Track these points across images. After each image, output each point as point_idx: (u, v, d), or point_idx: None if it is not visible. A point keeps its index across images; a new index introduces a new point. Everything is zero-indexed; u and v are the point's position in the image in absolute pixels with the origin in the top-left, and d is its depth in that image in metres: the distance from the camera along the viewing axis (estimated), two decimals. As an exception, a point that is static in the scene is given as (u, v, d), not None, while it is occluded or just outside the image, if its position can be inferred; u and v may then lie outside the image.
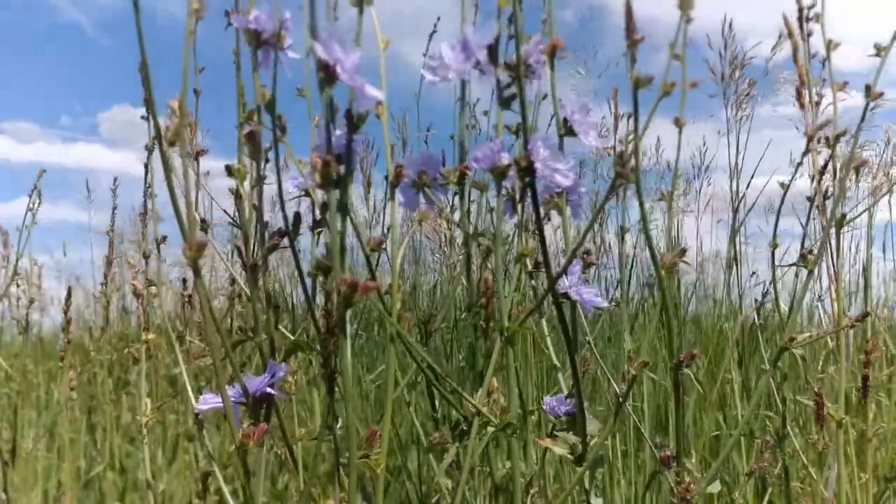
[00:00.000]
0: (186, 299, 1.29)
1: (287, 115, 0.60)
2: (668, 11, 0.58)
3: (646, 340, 1.02)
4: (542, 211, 0.60)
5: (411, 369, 0.80)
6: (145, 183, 1.06)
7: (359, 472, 0.53)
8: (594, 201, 1.48)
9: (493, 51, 0.62)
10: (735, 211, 1.53)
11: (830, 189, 0.99)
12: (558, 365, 0.88)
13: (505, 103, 0.63)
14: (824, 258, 1.03)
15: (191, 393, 0.66)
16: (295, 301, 1.94)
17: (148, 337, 1.01)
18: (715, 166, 1.96)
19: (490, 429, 0.64)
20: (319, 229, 0.65)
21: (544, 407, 0.74)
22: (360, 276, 0.51)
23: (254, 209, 0.62)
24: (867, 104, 0.87)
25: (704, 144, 1.94)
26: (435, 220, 1.58)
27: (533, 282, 0.84)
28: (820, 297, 1.37)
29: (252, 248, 0.62)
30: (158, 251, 0.97)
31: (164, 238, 0.94)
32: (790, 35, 0.94)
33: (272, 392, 0.56)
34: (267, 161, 0.63)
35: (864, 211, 1.29)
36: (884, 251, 1.97)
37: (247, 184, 0.63)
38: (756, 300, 1.25)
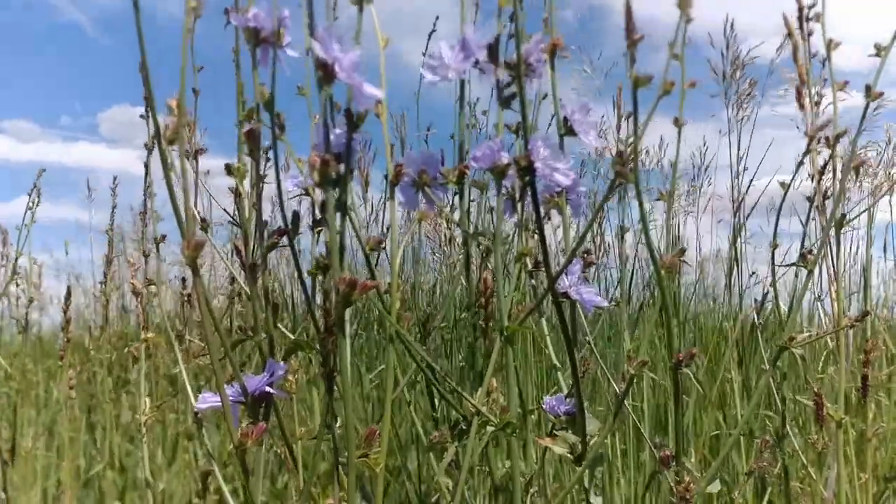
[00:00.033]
0: (186, 298, 1.29)
1: (287, 113, 0.60)
2: (667, 11, 0.58)
3: (645, 340, 1.02)
4: (541, 210, 0.60)
5: (411, 369, 0.80)
6: (145, 182, 1.06)
7: (358, 471, 0.53)
8: (594, 201, 1.48)
9: (493, 50, 0.62)
10: (736, 211, 1.53)
11: (830, 189, 0.99)
12: (558, 364, 0.88)
13: (505, 102, 0.63)
14: (824, 258, 1.03)
15: (190, 392, 0.66)
16: (295, 300, 1.94)
17: (147, 336, 1.01)
18: (715, 166, 1.96)
19: (489, 428, 0.64)
20: (319, 228, 0.65)
21: (544, 406, 0.74)
22: (360, 276, 0.51)
23: (253, 208, 0.62)
24: (867, 104, 0.87)
25: (705, 144, 1.94)
26: (435, 220, 1.58)
27: (533, 281, 0.84)
28: (820, 297, 1.37)
29: (252, 247, 0.62)
30: (158, 250, 0.97)
31: (164, 237, 0.94)
32: (790, 35, 0.94)
33: (271, 391, 0.56)
34: (267, 160, 0.63)
35: (864, 211, 1.29)
36: (884, 251, 1.97)
37: (246, 182, 0.63)
38: (756, 300, 1.25)
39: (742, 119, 1.54)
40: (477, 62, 0.63)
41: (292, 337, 0.69)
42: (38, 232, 1.42)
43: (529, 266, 0.78)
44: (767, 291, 1.23)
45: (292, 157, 0.65)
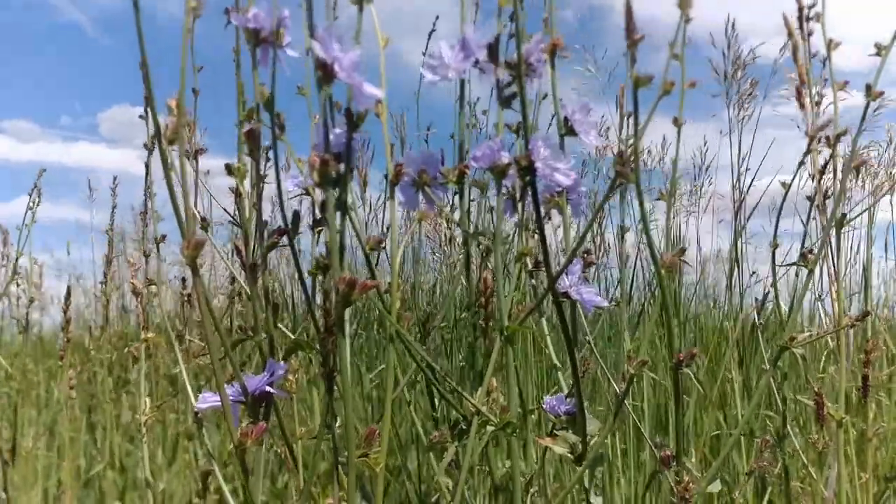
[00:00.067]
0: (186, 298, 1.29)
1: (287, 113, 0.60)
2: (668, 11, 0.58)
3: (646, 340, 1.02)
4: (542, 210, 0.60)
5: (411, 369, 0.80)
6: (146, 182, 1.06)
7: (358, 470, 0.53)
8: (594, 201, 1.48)
9: (493, 49, 0.62)
10: (737, 211, 1.53)
11: (831, 189, 0.99)
12: (558, 364, 0.88)
13: (505, 102, 0.63)
14: (825, 258, 1.03)
15: (190, 392, 0.65)
16: (295, 300, 1.94)
17: (147, 336, 1.01)
18: (716, 166, 1.96)
19: (490, 428, 0.64)
20: (319, 228, 0.65)
21: (544, 406, 0.74)
22: (361, 276, 0.51)
23: (253, 208, 0.62)
24: (868, 103, 0.87)
25: (705, 144, 1.94)
26: (435, 220, 1.58)
27: (533, 281, 0.84)
28: (820, 296, 1.37)
29: (252, 246, 0.62)
30: (158, 250, 0.97)
31: (164, 237, 0.94)
32: (790, 34, 0.94)
33: (271, 391, 0.56)
34: (267, 160, 0.63)
35: (865, 211, 1.29)
36: (885, 250, 1.97)
37: (247, 182, 0.63)
38: (756, 299, 1.25)
39: (743, 119, 1.54)
40: (477, 62, 0.63)
41: (292, 337, 0.69)
42: (38, 232, 1.42)
43: (529, 266, 0.78)
44: (768, 291, 1.23)
45: (292, 157, 0.65)
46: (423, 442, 1.00)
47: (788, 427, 1.08)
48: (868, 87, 0.87)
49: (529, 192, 0.58)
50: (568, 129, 0.65)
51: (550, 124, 0.88)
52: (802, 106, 0.97)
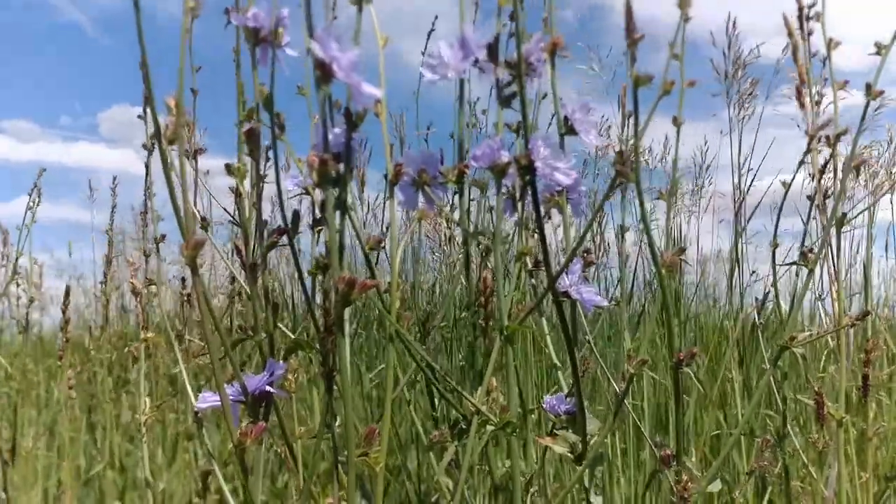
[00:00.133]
0: (185, 298, 1.29)
1: (287, 113, 0.60)
2: (668, 11, 0.58)
3: (646, 339, 1.02)
4: (542, 209, 0.60)
5: (411, 368, 0.80)
6: (146, 182, 1.06)
7: (358, 470, 0.53)
8: (593, 200, 1.48)
9: (493, 49, 0.62)
10: (737, 210, 1.53)
11: (831, 188, 0.99)
12: (558, 364, 0.88)
13: (505, 102, 0.63)
14: (825, 257, 1.03)
15: (190, 391, 0.65)
16: (295, 300, 1.94)
17: (147, 335, 1.01)
18: (717, 166, 1.96)
19: (489, 427, 0.64)
20: (319, 228, 0.65)
21: (544, 405, 0.74)
22: (361, 275, 0.51)
23: (253, 207, 0.62)
24: (868, 103, 0.87)
25: (706, 143, 1.94)
26: (434, 219, 1.58)
27: (533, 280, 0.84)
28: (821, 296, 1.37)
29: (252, 246, 0.62)
30: (157, 250, 0.97)
31: (164, 236, 0.94)
32: (790, 34, 0.94)
33: (271, 390, 0.56)
34: (267, 160, 0.63)
35: (864, 210, 1.29)
36: (886, 250, 1.97)
37: (247, 182, 0.63)
38: (757, 298, 1.25)
39: (743, 118, 1.53)
40: (476, 61, 0.62)
41: (292, 336, 0.69)
42: (38, 232, 1.42)
43: (529, 265, 0.78)
44: (768, 291, 1.23)
45: (292, 157, 0.65)
46: (422, 441, 1.00)
47: (789, 426, 1.08)
48: (868, 87, 0.87)
49: (529, 192, 0.58)
50: (568, 129, 0.65)
51: (550, 124, 0.88)
52: (803, 105, 0.97)
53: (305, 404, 1.41)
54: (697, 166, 1.99)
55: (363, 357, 1.70)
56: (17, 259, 1.41)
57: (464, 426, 0.69)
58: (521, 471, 0.73)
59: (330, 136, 0.53)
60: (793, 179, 1.02)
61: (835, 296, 1.01)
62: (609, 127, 1.61)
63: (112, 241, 1.64)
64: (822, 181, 0.98)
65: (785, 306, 1.21)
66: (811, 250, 0.86)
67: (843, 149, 0.98)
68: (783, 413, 1.08)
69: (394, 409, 1.17)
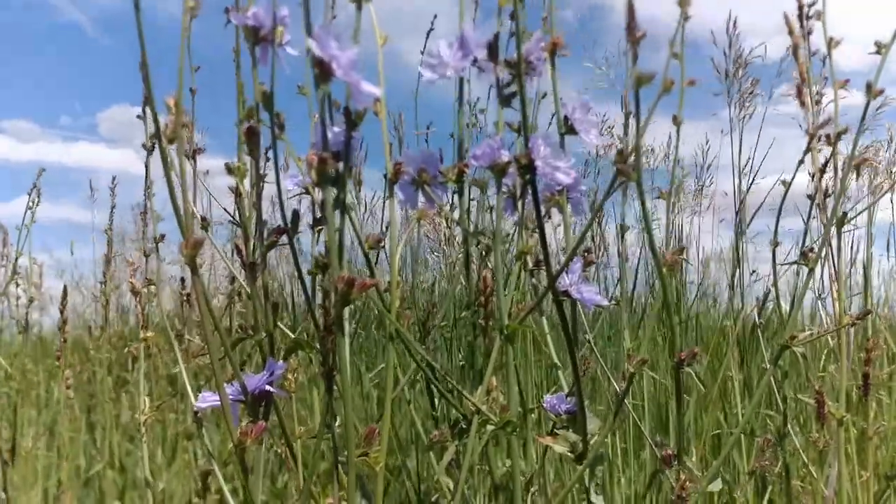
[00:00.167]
0: (185, 298, 1.29)
1: (287, 113, 0.59)
2: (668, 11, 0.58)
3: (646, 339, 1.02)
4: (542, 208, 0.60)
5: (411, 368, 0.80)
6: (145, 182, 1.06)
7: (358, 470, 0.52)
8: (593, 200, 1.48)
9: (493, 48, 0.61)
10: (738, 210, 1.53)
11: (832, 187, 0.99)
12: (558, 363, 0.88)
13: (505, 101, 0.63)
14: (826, 257, 1.03)
15: (190, 391, 0.65)
16: (295, 300, 1.94)
17: (146, 335, 1.01)
18: (717, 165, 1.96)
19: (490, 427, 0.64)
20: (319, 227, 0.65)
21: (544, 405, 0.74)
22: (362, 275, 0.51)
23: (253, 207, 0.62)
24: (868, 102, 0.87)
25: (707, 142, 1.93)
26: (434, 219, 1.58)
27: (533, 280, 0.84)
28: (821, 295, 1.37)
29: (252, 246, 0.62)
30: (157, 249, 0.97)
31: (163, 236, 0.94)
32: (790, 32, 0.94)
33: (271, 390, 0.56)
34: (267, 159, 0.63)
35: (865, 210, 1.29)
36: (887, 249, 1.97)
37: (247, 181, 0.63)
38: (757, 298, 1.25)
39: (744, 118, 1.53)
40: (476, 60, 0.62)
41: (292, 336, 0.69)
42: (38, 232, 1.42)
43: (530, 265, 0.78)
44: (769, 291, 1.23)
45: (292, 156, 0.65)
46: (422, 441, 1.00)
47: (789, 426, 1.08)
48: (868, 86, 0.87)
49: (529, 191, 0.58)
50: (568, 128, 0.65)
51: (550, 123, 0.88)
52: (803, 104, 0.97)
53: (305, 404, 1.41)
54: (698, 166, 1.99)
55: (363, 357, 1.70)
56: (16, 259, 1.40)
57: (464, 426, 0.69)
58: (521, 470, 0.73)
59: (329, 135, 0.53)
60: (793, 179, 1.02)
61: (835, 295, 1.01)
62: (612, 127, 1.61)
63: (111, 241, 1.64)
64: (823, 180, 0.98)
65: (785, 306, 1.20)
66: (811, 249, 0.86)
67: (844, 148, 0.98)
68: (783, 412, 1.08)
69: (394, 409, 1.17)
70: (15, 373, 1.78)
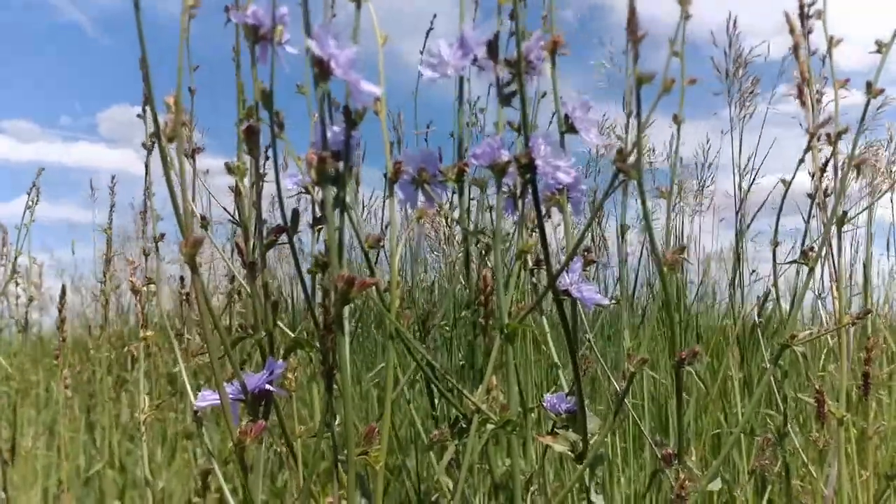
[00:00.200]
0: (184, 297, 1.29)
1: (287, 112, 0.59)
2: (668, 11, 0.58)
3: (646, 338, 1.02)
4: (542, 208, 0.60)
5: (410, 368, 0.80)
6: (145, 181, 1.06)
7: (358, 469, 0.52)
8: (593, 199, 1.48)
9: (493, 47, 0.61)
10: (738, 210, 1.53)
11: (832, 187, 0.99)
12: (558, 363, 0.88)
13: (505, 100, 0.63)
14: (826, 256, 1.03)
15: (190, 390, 0.65)
16: (294, 300, 1.94)
17: (146, 334, 1.01)
18: (717, 165, 1.95)
19: (490, 426, 0.64)
20: (319, 226, 0.65)
21: (545, 404, 0.74)
22: (362, 274, 0.51)
23: (253, 206, 0.62)
24: (868, 101, 0.87)
25: (708, 142, 1.93)
26: (433, 219, 1.58)
27: (534, 279, 0.84)
28: (821, 295, 1.37)
29: (251, 245, 0.62)
30: (157, 249, 0.97)
31: (163, 235, 0.94)
32: (791, 31, 0.94)
33: (271, 389, 0.56)
34: (266, 158, 0.63)
35: (865, 209, 1.29)
36: (887, 248, 1.97)
37: (246, 180, 0.63)
38: (758, 297, 1.25)
39: (744, 117, 1.53)
40: (475, 59, 0.62)
41: (292, 335, 0.69)
42: (37, 232, 1.42)
43: (530, 264, 0.78)
44: (769, 290, 1.23)
45: (291, 156, 0.65)
46: (422, 440, 1.00)
47: (789, 425, 1.08)
48: (868, 85, 0.87)
49: (530, 190, 0.58)
50: (568, 127, 0.65)
51: (551, 123, 0.87)
52: (804, 103, 0.97)
53: (305, 403, 1.41)
54: (699, 165, 1.99)
55: (362, 355, 1.70)
56: (15, 258, 1.40)
57: (464, 425, 0.69)
58: (521, 470, 0.73)
59: (329, 134, 0.53)
60: (793, 178, 1.02)
61: (835, 294, 1.01)
62: (614, 127, 1.61)
63: (110, 241, 1.64)
64: (823, 180, 0.98)
65: (785, 305, 1.20)
66: (812, 249, 0.85)
67: (844, 147, 0.98)
68: (783, 412, 1.08)
69: (393, 409, 1.17)
70: (15, 373, 1.78)
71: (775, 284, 1.09)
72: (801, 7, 0.93)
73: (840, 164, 0.98)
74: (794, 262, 0.88)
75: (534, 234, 0.73)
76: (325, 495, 0.61)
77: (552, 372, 1.18)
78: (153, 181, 1.05)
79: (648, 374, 1.24)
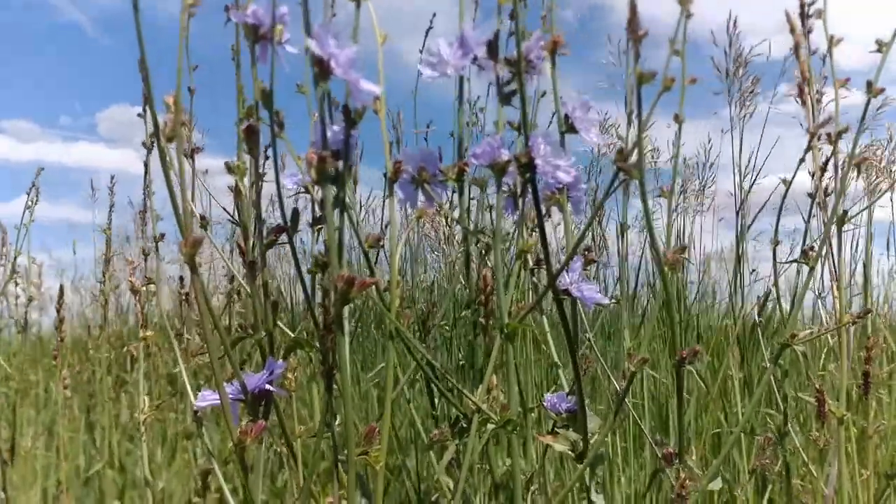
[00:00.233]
0: (184, 297, 1.29)
1: (286, 111, 0.59)
2: (668, 11, 0.58)
3: (647, 338, 1.02)
4: (542, 207, 0.60)
5: (410, 368, 0.80)
6: (145, 181, 1.06)
7: (358, 469, 0.52)
8: (593, 198, 1.48)
9: (492, 46, 0.61)
10: (738, 209, 1.53)
11: (832, 186, 0.99)
12: (558, 362, 0.87)
13: (505, 99, 0.63)
14: (826, 255, 1.03)
15: (189, 390, 0.65)
16: (294, 300, 1.94)
17: (146, 334, 1.01)
18: (717, 165, 1.95)
19: (490, 426, 0.63)
20: (319, 226, 0.65)
21: (545, 404, 0.74)
22: (361, 274, 0.51)
23: (253, 206, 0.62)
24: (868, 100, 0.87)
25: (710, 141, 1.93)
26: (433, 218, 1.58)
27: (534, 278, 0.84)
28: (821, 294, 1.37)
29: (251, 244, 0.62)
30: (157, 249, 0.97)
31: (162, 235, 0.94)
32: (792, 30, 0.94)
33: (271, 389, 0.56)
34: (266, 158, 0.63)
35: (865, 209, 1.29)
36: (887, 248, 1.97)
37: (246, 180, 0.63)
38: (758, 297, 1.25)
39: (744, 117, 1.53)
40: (476, 58, 0.62)
41: (292, 335, 0.69)
42: (37, 232, 1.42)
43: (530, 263, 0.78)
44: (770, 290, 1.23)
45: (291, 155, 0.65)
46: (423, 440, 1.00)
47: (789, 424, 1.08)
48: (869, 84, 0.87)
49: (530, 190, 0.58)
50: (568, 127, 0.65)
51: (551, 122, 0.87)
52: (804, 103, 0.97)
53: (305, 403, 1.41)
54: (701, 165, 1.99)
55: (361, 356, 1.69)
56: (15, 258, 1.40)
57: (464, 425, 0.69)
58: (521, 469, 0.72)
59: (329, 134, 0.53)
60: (793, 177, 1.02)
61: (835, 293, 1.01)
62: (617, 127, 1.61)
63: (109, 241, 1.64)
64: (823, 179, 0.98)
65: (786, 305, 1.20)
66: (812, 248, 0.85)
67: (845, 147, 0.98)
68: (784, 411, 1.08)
69: (393, 408, 1.17)
70: (14, 373, 1.78)
71: (776, 284, 1.09)
72: (802, 6, 0.93)
73: (840, 163, 0.98)
74: (795, 261, 0.88)
75: (534, 233, 0.73)
76: (325, 495, 0.61)
77: (552, 371, 1.18)
78: (153, 180, 1.05)
79: (649, 374, 1.24)
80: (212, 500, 0.92)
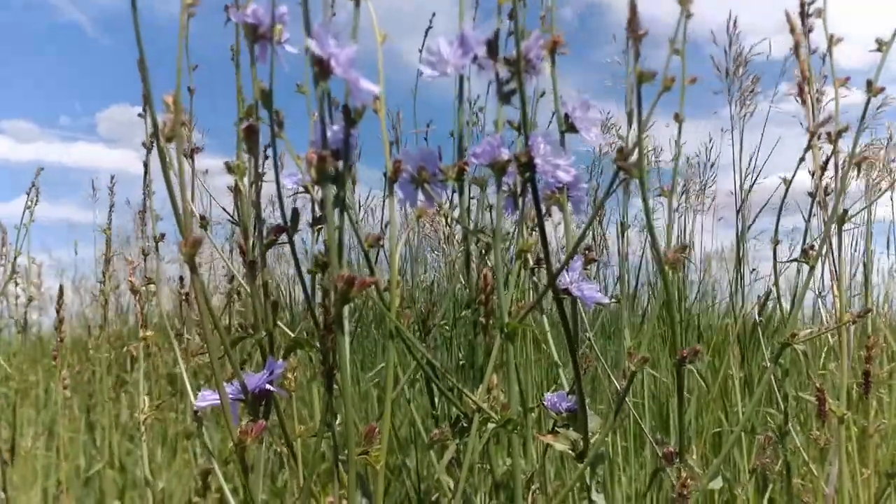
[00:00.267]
0: (184, 297, 1.29)
1: (286, 111, 0.59)
2: (668, 11, 0.58)
3: (647, 338, 1.02)
4: (542, 207, 0.59)
5: (410, 367, 0.80)
6: (144, 181, 1.06)
7: (358, 469, 0.52)
8: (594, 198, 1.48)
9: (492, 45, 0.61)
10: (739, 209, 1.53)
11: (832, 185, 0.99)
12: (559, 362, 0.87)
13: (505, 98, 0.63)
14: (826, 254, 1.03)
15: (190, 390, 0.65)
16: (293, 300, 1.94)
17: (146, 334, 1.01)
18: (718, 165, 1.95)
19: (490, 425, 0.63)
20: (319, 226, 0.65)
21: (545, 403, 0.74)
22: (361, 274, 0.51)
23: (252, 205, 0.62)
24: (869, 99, 0.87)
25: (710, 141, 1.93)
26: (433, 218, 1.57)
27: (534, 278, 0.84)
28: (821, 293, 1.37)
29: (251, 244, 0.62)
30: (157, 249, 0.97)
31: (162, 235, 0.94)
32: (792, 30, 0.94)
33: (271, 389, 0.56)
34: (266, 157, 0.63)
35: (865, 208, 1.29)
36: (887, 247, 1.96)
37: (246, 180, 0.63)
38: (759, 297, 1.25)
39: (745, 116, 1.53)
40: (475, 58, 0.62)
41: (292, 334, 0.68)
42: (37, 232, 1.42)
43: (530, 263, 0.78)
44: (770, 290, 1.23)
45: (291, 155, 0.64)
46: (423, 440, 1.00)
47: (790, 424, 1.08)
48: (869, 83, 0.87)
49: (530, 189, 0.58)
50: (568, 126, 0.65)
51: (551, 122, 0.87)
52: (804, 102, 0.97)
53: (305, 403, 1.41)
54: (702, 164, 1.99)
55: (361, 355, 1.69)
56: (15, 258, 1.40)
57: (464, 424, 0.69)
58: (522, 469, 0.72)
59: (328, 133, 0.53)
60: (793, 176, 1.02)
61: (836, 293, 1.00)
62: (619, 127, 1.61)
63: (109, 241, 1.64)
64: (823, 178, 0.98)
65: (786, 304, 1.20)
66: (812, 247, 0.85)
67: (845, 146, 0.98)
68: (784, 410, 1.08)
69: (394, 408, 1.17)
70: (14, 373, 1.78)
71: (776, 283, 1.09)
72: (802, 6, 0.93)
73: (840, 162, 0.98)
74: (795, 260, 0.88)
75: (534, 232, 0.73)
76: (326, 495, 0.61)
77: (552, 371, 1.18)
78: (153, 180, 1.04)
79: (649, 373, 1.24)
80: (212, 500, 0.92)
